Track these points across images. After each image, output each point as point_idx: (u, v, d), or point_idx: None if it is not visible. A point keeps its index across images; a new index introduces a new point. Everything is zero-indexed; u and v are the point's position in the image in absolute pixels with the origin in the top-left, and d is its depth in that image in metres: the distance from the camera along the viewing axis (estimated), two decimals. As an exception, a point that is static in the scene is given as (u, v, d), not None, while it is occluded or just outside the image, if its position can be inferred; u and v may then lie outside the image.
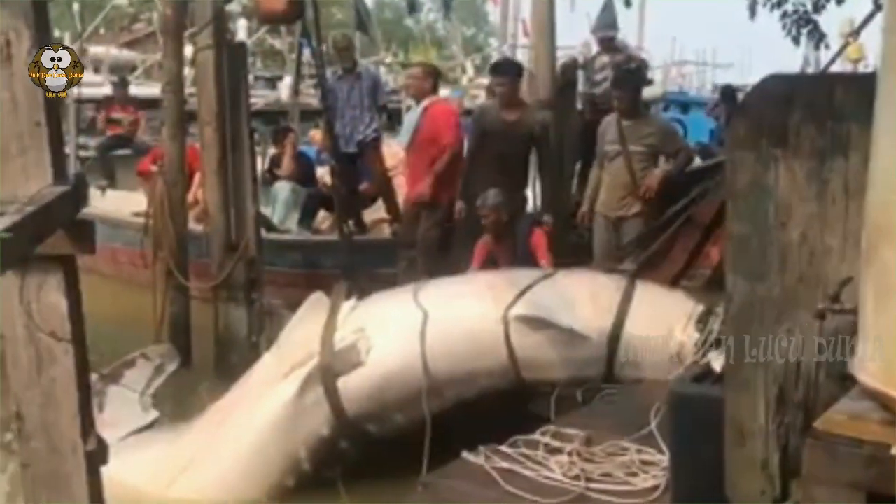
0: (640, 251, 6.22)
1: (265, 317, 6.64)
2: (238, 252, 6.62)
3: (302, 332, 4.98)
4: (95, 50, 19.49)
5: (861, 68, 15.66)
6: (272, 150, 9.69)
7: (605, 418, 4.32)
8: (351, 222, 7.56)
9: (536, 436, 4.12)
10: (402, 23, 37.38)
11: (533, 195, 7.54)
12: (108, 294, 7.81)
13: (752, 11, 8.39)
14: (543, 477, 3.78)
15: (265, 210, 8.19)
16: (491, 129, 6.85)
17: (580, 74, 8.64)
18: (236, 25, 16.61)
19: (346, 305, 4.99)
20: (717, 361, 3.47)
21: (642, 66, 9.32)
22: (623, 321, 4.83)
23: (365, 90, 8.44)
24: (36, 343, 2.62)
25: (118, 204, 9.53)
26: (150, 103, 12.21)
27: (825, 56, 9.87)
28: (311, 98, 14.53)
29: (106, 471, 2.81)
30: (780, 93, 2.34)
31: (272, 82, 21.89)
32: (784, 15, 8.42)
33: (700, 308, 4.83)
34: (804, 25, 8.45)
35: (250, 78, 9.07)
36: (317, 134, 11.94)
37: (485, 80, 13.60)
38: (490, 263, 6.12)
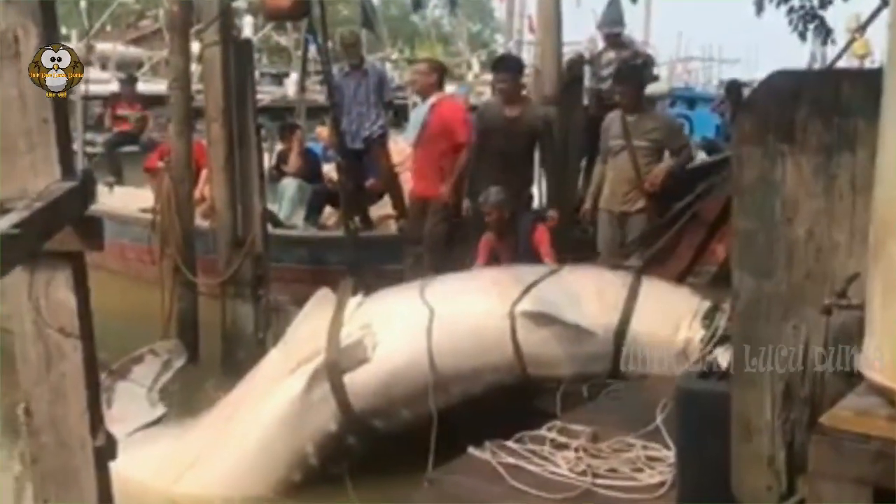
0: (645, 248, 6.22)
1: (272, 313, 6.65)
2: (245, 248, 6.63)
3: (308, 329, 4.99)
4: (102, 47, 19.51)
5: (867, 64, 15.61)
6: (279, 147, 9.70)
7: (611, 414, 4.33)
8: (357, 218, 7.57)
9: (542, 431, 4.12)
10: (407, 19, 37.36)
11: (539, 192, 7.54)
12: (115, 290, 7.82)
13: (759, 7, 8.37)
14: (549, 472, 3.78)
15: (272, 206, 8.21)
16: (493, 127, 6.85)
17: (586, 70, 8.62)
18: (242, 22, 16.59)
19: (353, 302, 5.00)
20: (723, 357, 3.47)
21: (648, 62, 9.30)
22: (629, 317, 4.83)
23: (371, 86, 8.44)
24: (45, 339, 2.63)
25: (125, 200, 9.55)
26: (156, 100, 12.24)
27: (832, 52, 9.85)
28: (318, 95, 14.55)
29: (113, 466, 2.82)
30: (787, 89, 2.34)
31: (278, 79, 21.88)
32: (790, 11, 8.41)
33: (706, 304, 4.84)
34: (810, 21, 8.43)
35: (256, 74, 9.09)
36: (323, 131, 11.94)
37: (490, 77, 13.58)
38: (494, 260, 6.12)
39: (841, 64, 7.53)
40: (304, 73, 13.04)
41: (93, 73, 12.63)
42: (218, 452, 4.85)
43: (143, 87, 13.19)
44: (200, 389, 6.25)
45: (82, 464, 2.69)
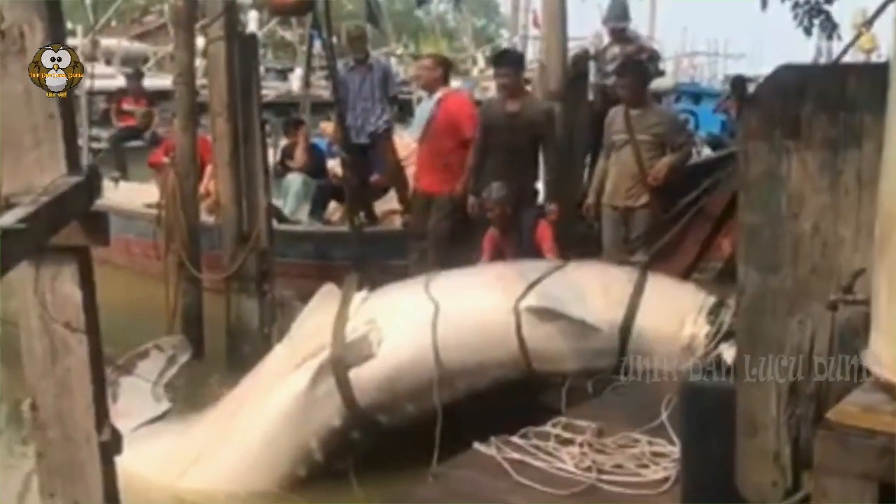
0: (649, 244, 6.21)
1: (277, 308, 6.66)
2: (250, 243, 6.64)
3: (313, 324, 5.00)
4: (107, 42, 19.53)
5: (874, 58, 15.58)
6: (283, 142, 9.70)
7: (616, 410, 4.32)
8: (362, 214, 7.57)
9: (547, 427, 4.12)
10: (412, 14, 37.28)
11: (544, 187, 7.53)
12: (120, 285, 7.84)
13: (764, 2, 8.33)
14: (554, 468, 3.79)
15: (276, 202, 8.21)
16: (495, 122, 6.84)
17: (591, 65, 8.60)
18: (247, 17, 16.59)
19: (358, 297, 5.00)
20: (728, 353, 3.47)
21: (653, 57, 9.26)
22: (634, 313, 4.82)
23: (376, 81, 8.44)
24: (51, 333, 2.64)
25: (131, 195, 9.57)
26: (161, 95, 12.24)
27: (837, 46, 9.82)
28: (322, 90, 14.54)
29: (118, 461, 2.83)
30: (793, 84, 2.33)
31: (283, 74, 21.89)
32: (796, 5, 8.37)
33: (711, 300, 4.83)
34: (816, 16, 8.39)
35: (261, 69, 9.08)
36: (328, 126, 11.95)
37: (496, 72, 13.52)
38: (498, 256, 6.12)
39: (847, 58, 7.50)
40: (309, 69, 13.04)
41: (98, 68, 12.62)
42: (223, 447, 4.86)
43: (148, 82, 13.18)
44: (205, 384, 6.27)
45: (88, 458, 2.70)
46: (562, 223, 6.66)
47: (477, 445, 4.01)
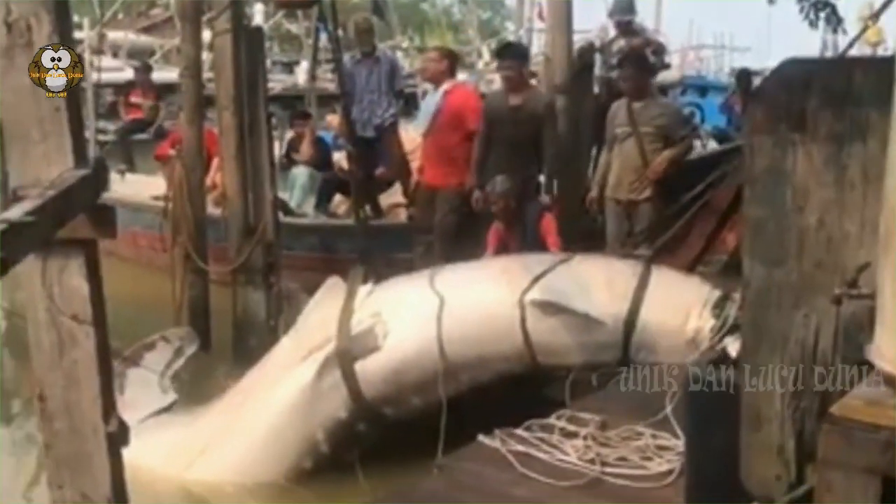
0: (653, 238, 6.20)
1: (283, 300, 6.68)
2: (256, 236, 6.66)
3: (319, 316, 5.01)
4: (114, 35, 19.51)
5: (880, 51, 15.52)
6: (289, 135, 9.71)
7: (620, 403, 4.33)
8: (367, 207, 7.58)
9: (552, 420, 4.13)
10: (417, 7, 37.26)
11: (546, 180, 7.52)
12: (127, 277, 7.87)
13: (771, -5, 8.32)
14: (558, 460, 3.80)
15: (282, 194, 8.23)
16: (498, 116, 6.83)
17: (597, 58, 8.59)
18: (253, 10, 16.55)
19: (363, 290, 5.01)
20: (732, 347, 3.47)
21: (659, 50, 9.25)
22: (639, 306, 4.82)
23: (383, 74, 8.43)
24: (58, 326, 2.65)
25: (137, 188, 9.59)
26: (168, 88, 12.25)
27: (844, 39, 9.79)
28: (329, 83, 14.52)
29: (125, 452, 2.84)
30: (798, 77, 2.33)
31: (289, 67, 21.84)
32: (802, -2, 8.36)
33: (716, 293, 4.83)
34: (822, 9, 8.37)
35: (267, 62, 9.09)
36: (334, 119, 11.95)
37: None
38: (503, 249, 6.12)
39: (853, 51, 7.48)
40: (315, 62, 13.03)
41: (105, 61, 12.62)
42: (229, 439, 4.88)
43: (155, 75, 13.20)
44: (212, 376, 6.30)
45: (95, 449, 2.71)
46: (566, 217, 6.66)
47: (481, 438, 4.03)
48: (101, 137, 11.88)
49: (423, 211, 7.40)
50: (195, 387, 6.01)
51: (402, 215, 8.59)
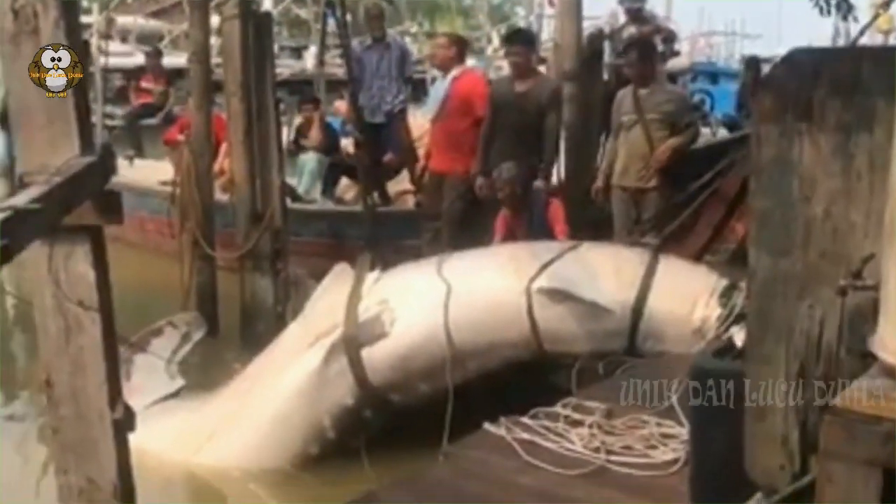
0: (661, 227, 6.18)
1: (290, 286, 6.69)
2: (264, 222, 6.67)
3: (327, 303, 5.02)
4: (123, 20, 19.52)
5: (892, 39, 15.41)
6: (298, 120, 9.71)
7: (625, 391, 4.32)
8: (375, 194, 7.58)
9: (557, 408, 4.13)
10: (428, -8, 37.11)
11: (556, 167, 7.50)
12: (135, 262, 7.89)
13: (782, -19, 8.26)
14: (564, 448, 3.80)
15: (290, 180, 8.23)
16: (504, 102, 6.81)
17: (606, 45, 8.55)
18: (262, -5, 16.55)
19: (371, 276, 5.03)
20: (739, 336, 3.46)
21: (670, 38, 9.21)
22: (646, 295, 4.82)
23: (393, 60, 8.43)
24: (64, 312, 2.66)
25: (146, 173, 9.61)
26: (177, 73, 12.26)
27: (856, 27, 9.72)
28: (337, 68, 14.50)
29: (132, 438, 2.86)
30: (806, 66, 2.31)
31: (298, 52, 21.82)
32: (812, -15, 8.29)
33: (724, 282, 4.82)
34: (833, -4, 8.31)
35: (276, 48, 9.07)
36: (342, 105, 11.93)
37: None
38: (511, 236, 6.12)
39: (864, 39, 7.43)
40: (324, 47, 13.00)
41: (114, 46, 12.64)
42: (236, 425, 4.90)
43: (165, 60, 13.21)
44: (219, 362, 6.32)
45: (101, 435, 2.73)
46: (574, 205, 6.64)
47: (487, 425, 4.03)
48: (110, 122, 11.91)
49: (431, 198, 7.39)
50: (202, 373, 6.03)
51: (409, 202, 8.60)
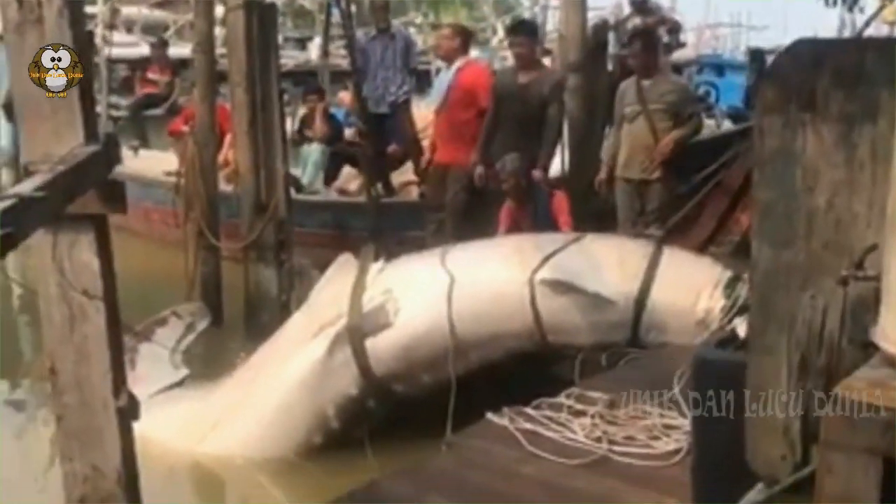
0: (664, 218, 6.18)
1: (294, 277, 6.71)
2: (268, 213, 6.67)
3: (331, 293, 5.03)
4: (128, 10, 19.51)
5: (898, 31, 15.33)
6: (302, 111, 9.71)
7: (628, 382, 4.34)
8: (379, 185, 7.58)
9: (560, 398, 4.14)
10: (433, -18, 37.03)
11: (561, 158, 7.50)
12: (139, 252, 7.91)
13: (789, -27, 8.24)
14: (566, 438, 3.81)
15: (295, 171, 8.23)
16: (507, 93, 6.80)
17: (611, 36, 8.54)
18: (267, -15, 16.51)
19: (375, 267, 5.03)
20: (742, 327, 3.47)
21: (675, 29, 9.20)
22: (649, 286, 4.83)
23: (398, 51, 8.41)
24: (69, 301, 2.67)
25: (150, 164, 9.62)
26: (182, 63, 12.26)
27: (861, 18, 9.69)
28: (341, 59, 14.49)
29: (136, 427, 2.87)
30: (810, 57, 2.31)
31: (302, 43, 21.79)
32: (817, -23, 8.27)
33: (728, 274, 4.82)
34: (838, -12, 8.29)
35: (280, 38, 9.07)
36: (346, 96, 11.93)
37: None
38: (515, 228, 6.12)
39: (870, 30, 7.41)
40: (328, 38, 12.99)
41: (118, 36, 12.63)
42: (240, 414, 4.92)
43: (170, 50, 13.21)
44: (223, 352, 6.34)
45: (105, 424, 2.74)
46: (578, 196, 6.63)
47: (490, 416, 4.04)
48: (114, 113, 11.91)
49: (435, 189, 7.39)
50: (206, 362, 6.05)
51: (413, 193, 8.59)
